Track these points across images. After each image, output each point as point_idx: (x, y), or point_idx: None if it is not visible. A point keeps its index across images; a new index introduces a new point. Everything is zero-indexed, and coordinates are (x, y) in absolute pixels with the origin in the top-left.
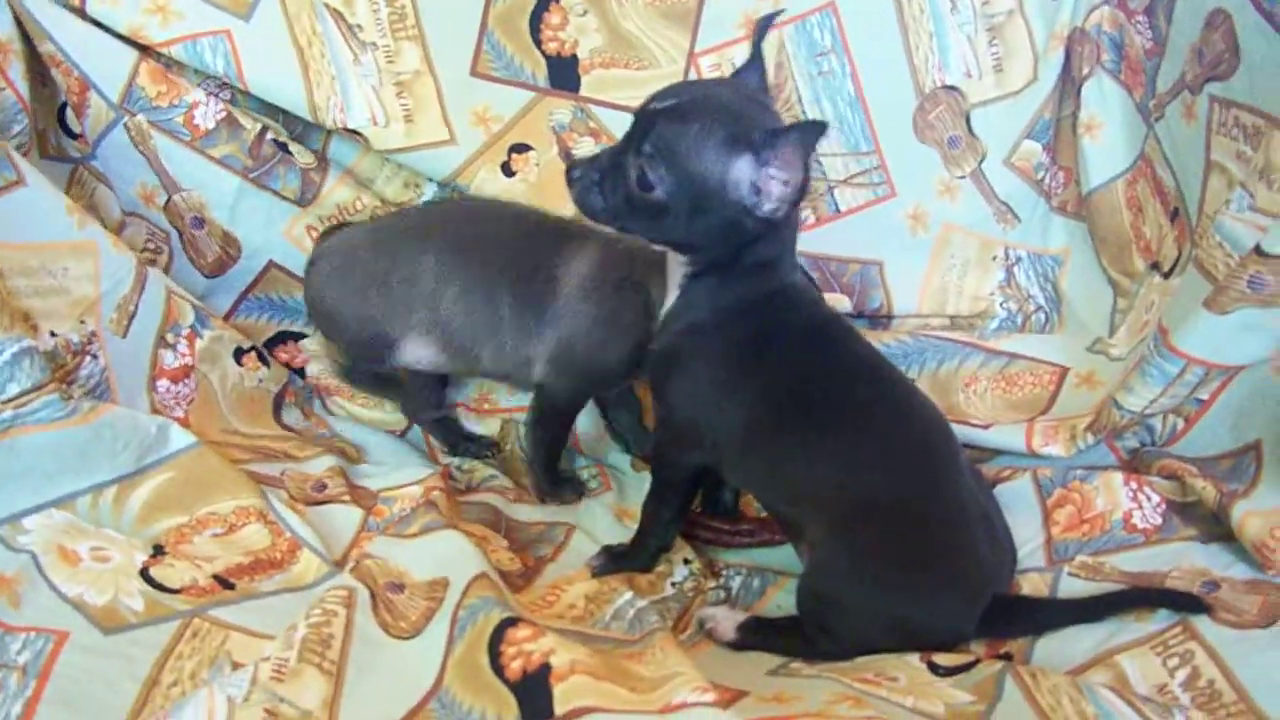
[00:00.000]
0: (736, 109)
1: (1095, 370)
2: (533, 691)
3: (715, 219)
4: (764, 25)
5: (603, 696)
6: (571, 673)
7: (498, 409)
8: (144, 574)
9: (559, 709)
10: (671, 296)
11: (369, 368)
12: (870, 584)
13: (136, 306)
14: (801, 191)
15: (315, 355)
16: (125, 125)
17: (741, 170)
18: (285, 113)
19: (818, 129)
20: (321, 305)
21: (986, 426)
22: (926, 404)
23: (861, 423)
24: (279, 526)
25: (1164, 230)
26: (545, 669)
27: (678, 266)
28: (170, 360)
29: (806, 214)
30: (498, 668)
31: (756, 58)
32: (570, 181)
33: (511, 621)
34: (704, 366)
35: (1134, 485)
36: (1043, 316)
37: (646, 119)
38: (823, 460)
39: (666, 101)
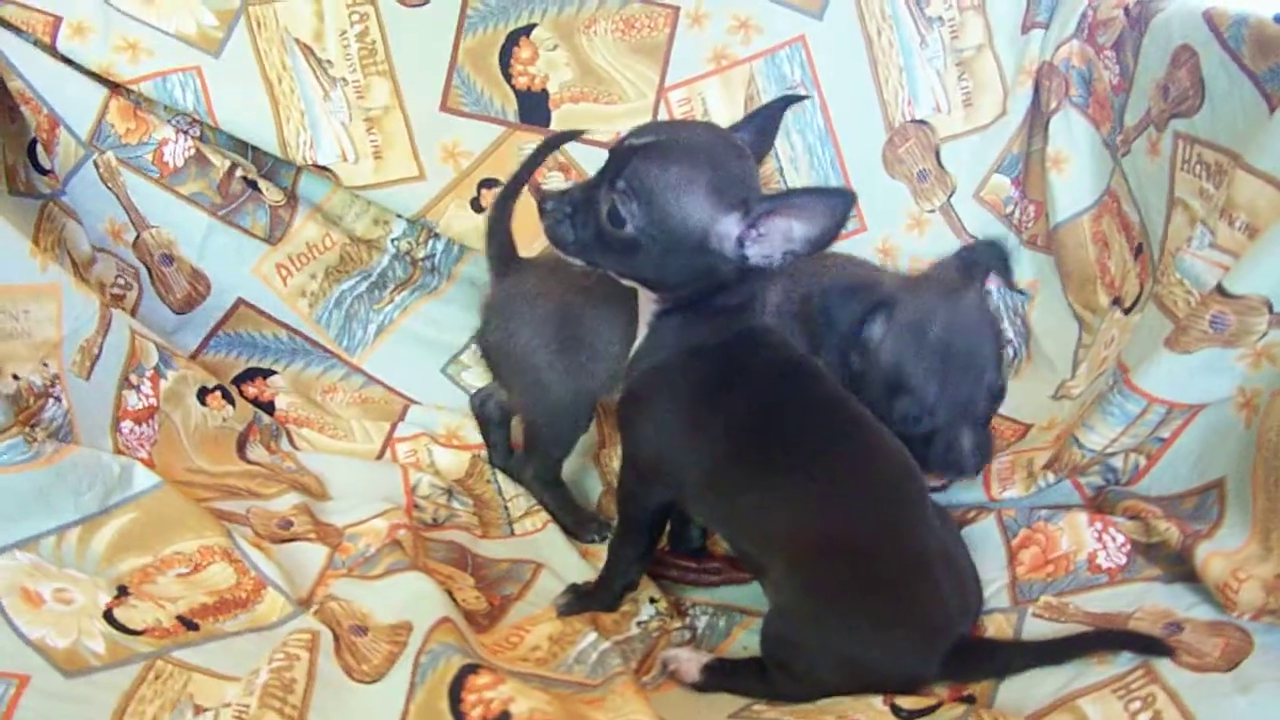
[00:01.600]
0: (719, 156)
1: (1056, 417)
2: None
3: (688, 262)
4: (784, 103)
5: None
6: None
7: (467, 445)
8: (107, 615)
9: None
10: (641, 335)
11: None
12: (829, 626)
13: (100, 349)
14: (817, 246)
15: (284, 390)
16: (94, 162)
17: (728, 226)
18: (255, 149)
19: (841, 201)
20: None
21: (944, 486)
22: (893, 445)
23: (823, 464)
24: (244, 565)
25: (1128, 266)
26: (504, 717)
27: (648, 304)
28: (134, 401)
29: None
30: (458, 715)
31: (768, 126)
32: (542, 214)
33: (472, 669)
34: (670, 405)
35: (1099, 526)
36: (1011, 351)
37: (622, 154)
38: (783, 501)
39: (644, 139)
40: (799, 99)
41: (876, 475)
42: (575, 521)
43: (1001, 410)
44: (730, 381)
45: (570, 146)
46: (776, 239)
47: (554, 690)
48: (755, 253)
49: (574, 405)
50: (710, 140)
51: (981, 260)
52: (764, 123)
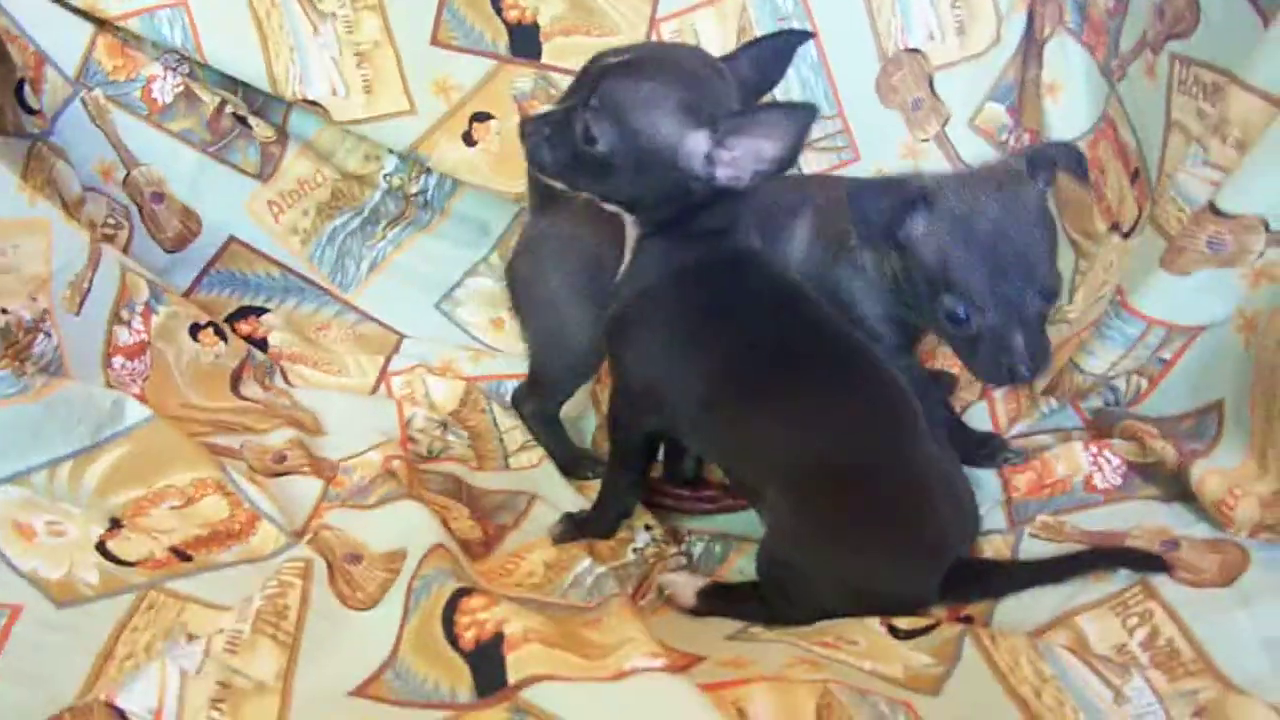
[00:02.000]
0: (692, 73)
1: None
2: (486, 660)
3: (660, 180)
4: (788, 38)
5: (555, 664)
6: (524, 641)
7: (461, 375)
8: (100, 548)
9: (511, 678)
10: (625, 260)
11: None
12: (827, 549)
13: (90, 283)
14: (783, 165)
15: (277, 327)
16: (82, 100)
17: (696, 143)
18: (245, 86)
19: (804, 115)
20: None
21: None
22: (887, 370)
23: (818, 387)
24: (238, 498)
25: (1125, 191)
26: (498, 638)
27: (631, 229)
28: (125, 337)
29: None
30: (452, 637)
31: (767, 59)
32: (522, 136)
33: (466, 591)
34: (658, 331)
35: (1094, 450)
36: None
37: (596, 73)
38: (779, 424)
39: (619, 57)
40: (804, 37)
41: (870, 398)
42: (570, 459)
43: None
44: (718, 304)
45: (562, 79)
46: (746, 159)
47: (549, 613)
48: (724, 173)
49: (588, 355)
50: (685, 58)
51: (1052, 158)
52: (762, 55)
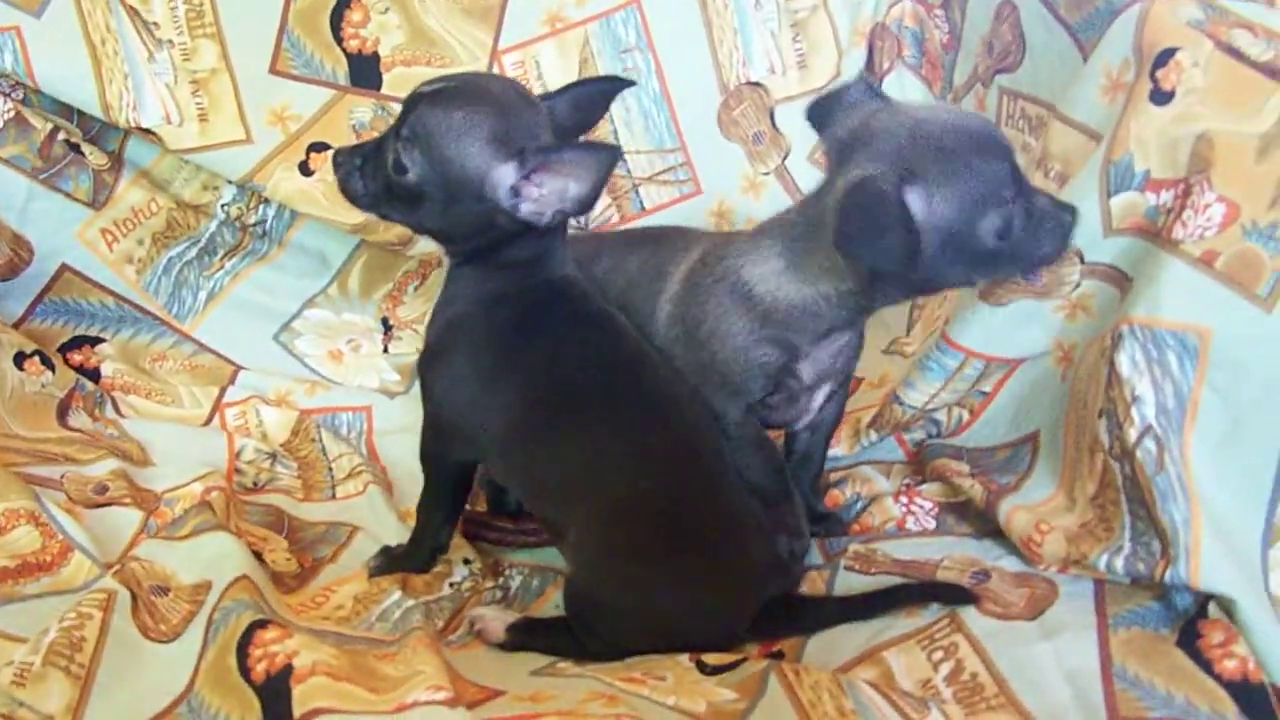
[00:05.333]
0: (503, 104)
1: (888, 372)
2: (275, 693)
3: (468, 211)
4: (609, 85)
5: (339, 697)
6: (312, 674)
7: (296, 407)
8: None
9: (297, 710)
10: (440, 288)
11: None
12: (632, 587)
13: None
14: (584, 206)
15: (111, 357)
16: None
17: (503, 174)
18: (83, 113)
19: (607, 156)
20: None
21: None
22: (695, 402)
23: (621, 421)
24: (51, 529)
25: None
26: (287, 670)
27: (444, 258)
28: None
29: (610, 212)
30: (245, 669)
31: (586, 102)
32: (335, 167)
33: (262, 623)
34: (465, 360)
35: (905, 500)
36: None
37: (410, 102)
38: (581, 459)
39: (435, 86)
40: (625, 84)
41: (676, 433)
42: None
43: None
44: (525, 335)
45: None
46: (551, 195)
47: (347, 646)
48: (527, 208)
49: None
50: (497, 89)
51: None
52: (584, 96)
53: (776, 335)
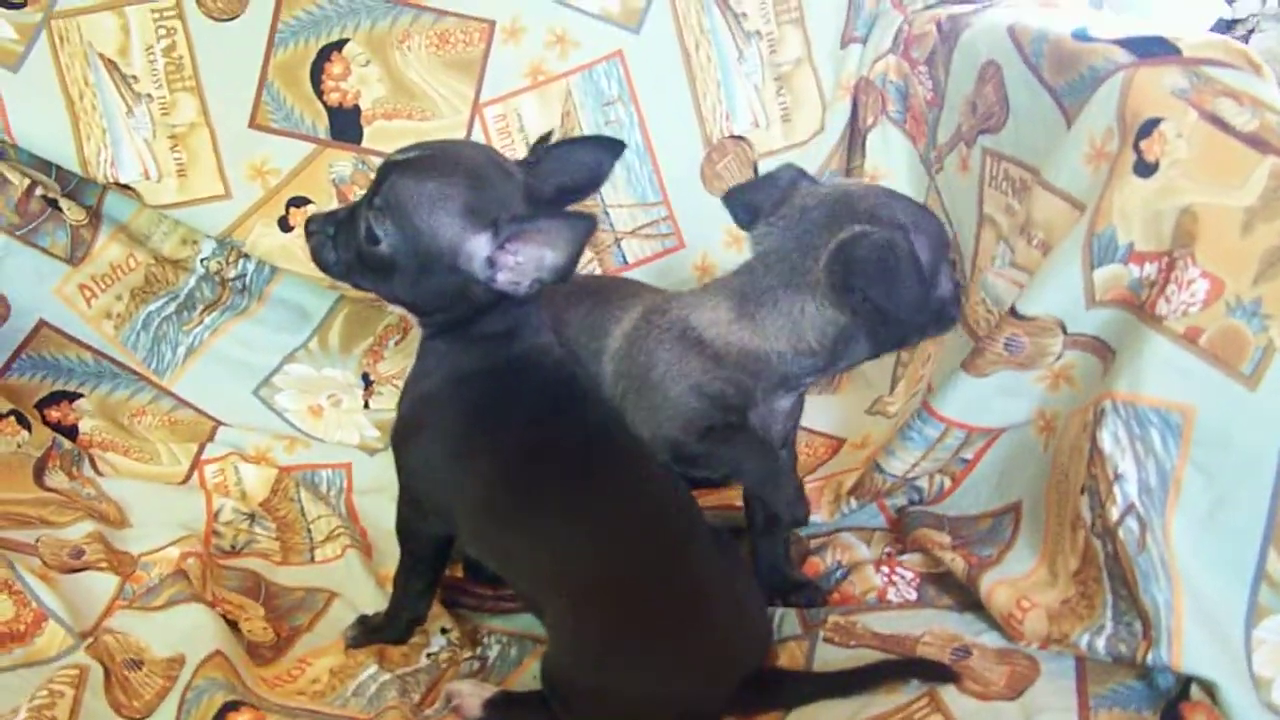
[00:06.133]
0: (477, 174)
1: (871, 434)
2: None
3: (441, 282)
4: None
5: None
6: None
7: (276, 464)
8: None
9: None
10: (413, 360)
11: None
12: (607, 667)
13: None
14: (562, 275)
15: (89, 413)
16: None
17: (477, 245)
18: (61, 168)
19: (584, 226)
20: None
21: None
22: (664, 476)
23: (590, 499)
24: (25, 596)
25: None
26: None
27: (417, 329)
28: None
29: (593, 266)
30: None
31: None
32: (308, 235)
33: (234, 705)
34: (434, 438)
35: (886, 570)
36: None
37: (383, 171)
38: (551, 539)
39: (408, 154)
40: (617, 147)
41: (646, 509)
42: None
43: (815, 425)
44: (495, 411)
45: None
46: (528, 265)
47: None
48: (504, 278)
49: None
50: (472, 157)
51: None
52: (570, 162)
53: (732, 376)
